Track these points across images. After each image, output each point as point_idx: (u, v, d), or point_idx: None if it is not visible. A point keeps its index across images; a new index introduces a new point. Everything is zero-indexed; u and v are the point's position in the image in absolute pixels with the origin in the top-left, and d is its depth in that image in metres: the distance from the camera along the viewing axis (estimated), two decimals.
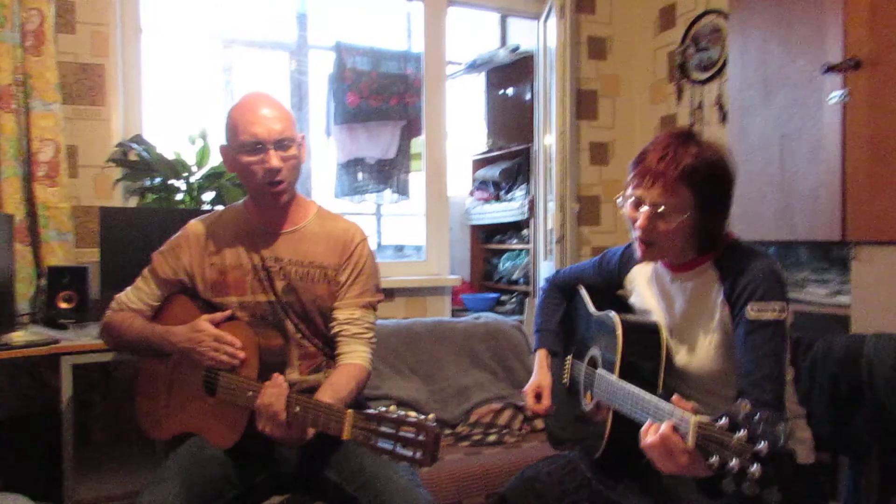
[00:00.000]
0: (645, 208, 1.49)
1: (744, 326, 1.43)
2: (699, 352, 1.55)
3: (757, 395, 1.36)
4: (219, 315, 1.77)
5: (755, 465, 1.05)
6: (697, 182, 1.45)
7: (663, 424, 1.24)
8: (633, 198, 1.52)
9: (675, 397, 1.26)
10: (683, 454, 1.20)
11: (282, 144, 1.75)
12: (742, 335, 1.43)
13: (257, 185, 1.78)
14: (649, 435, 1.26)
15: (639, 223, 1.50)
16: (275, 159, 1.74)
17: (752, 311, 1.42)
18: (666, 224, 1.48)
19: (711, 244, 1.54)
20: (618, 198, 1.60)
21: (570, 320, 1.95)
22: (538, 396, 1.84)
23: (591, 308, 1.82)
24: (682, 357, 1.58)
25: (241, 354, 1.69)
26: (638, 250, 1.56)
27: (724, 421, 1.11)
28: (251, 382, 1.64)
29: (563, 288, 2.00)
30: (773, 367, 1.39)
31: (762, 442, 1.05)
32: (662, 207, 1.46)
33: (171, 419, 1.85)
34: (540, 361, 1.89)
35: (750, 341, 1.42)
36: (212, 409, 1.75)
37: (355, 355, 1.81)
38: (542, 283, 2.08)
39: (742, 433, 1.07)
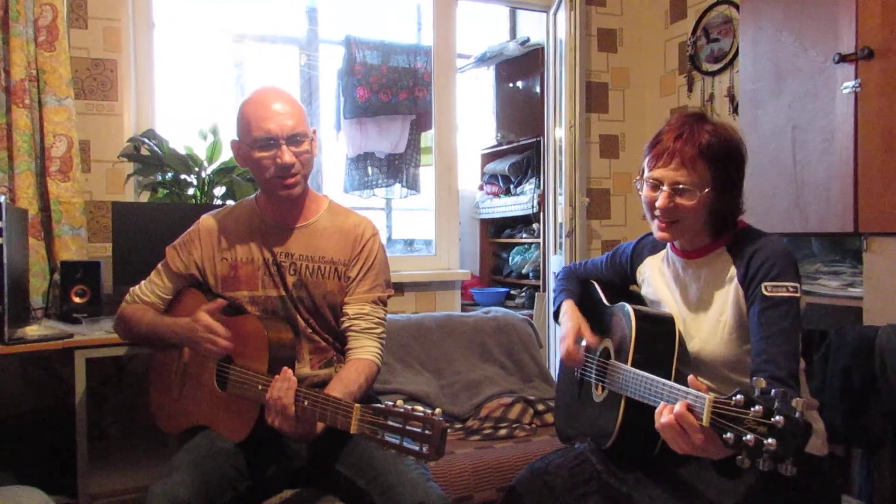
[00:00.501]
0: (665, 188, 1.50)
1: (758, 304, 1.44)
2: (713, 337, 1.55)
3: (771, 371, 1.36)
4: (213, 304, 1.76)
5: (770, 439, 1.04)
6: (715, 158, 1.48)
7: (678, 403, 1.24)
8: (651, 179, 1.53)
9: (691, 377, 1.26)
10: (698, 433, 1.20)
11: (294, 140, 1.76)
12: (756, 313, 1.44)
13: (270, 181, 1.78)
14: (664, 415, 1.26)
15: (659, 203, 1.50)
16: (287, 155, 1.74)
17: (767, 289, 1.43)
18: (686, 202, 1.49)
19: (725, 226, 1.55)
20: (635, 181, 1.61)
21: (584, 309, 1.94)
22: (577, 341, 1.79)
23: (604, 301, 1.82)
24: (695, 343, 1.58)
25: (225, 344, 1.68)
26: (657, 231, 1.57)
27: (739, 397, 1.11)
28: (261, 376, 1.65)
29: (578, 277, 2.00)
30: (788, 344, 1.40)
31: (777, 416, 1.04)
32: (682, 185, 1.48)
33: (184, 412, 1.86)
34: (569, 307, 1.86)
35: (764, 318, 1.42)
36: (223, 402, 1.75)
37: (365, 350, 1.81)
38: (556, 271, 2.06)
39: (757, 408, 1.07)
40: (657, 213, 1.53)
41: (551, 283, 3.76)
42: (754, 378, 1.13)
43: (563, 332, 1.81)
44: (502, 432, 2.70)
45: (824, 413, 1.64)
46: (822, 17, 2.36)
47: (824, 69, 2.34)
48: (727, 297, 1.53)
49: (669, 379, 1.51)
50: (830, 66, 2.30)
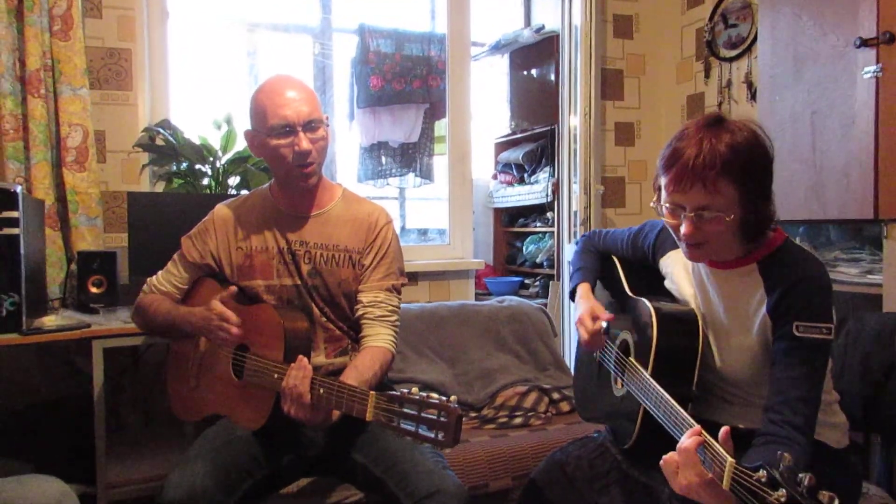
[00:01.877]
0: (688, 214, 1.38)
1: (786, 342, 1.36)
2: (734, 356, 1.50)
3: (788, 416, 1.31)
4: (226, 293, 1.76)
5: None
6: (738, 172, 1.34)
7: (688, 439, 1.20)
8: (671, 205, 1.41)
9: (723, 433, 1.17)
10: (697, 476, 1.17)
11: (310, 126, 1.76)
12: (783, 351, 1.37)
13: (287, 168, 1.78)
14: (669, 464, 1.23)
15: (684, 231, 1.40)
16: (305, 141, 1.74)
17: (799, 330, 1.34)
18: (712, 226, 1.37)
19: (758, 235, 1.44)
20: (652, 203, 1.50)
21: (602, 293, 1.90)
22: (594, 320, 1.71)
23: (626, 288, 1.75)
24: (716, 361, 1.53)
25: (234, 331, 1.68)
26: (686, 253, 1.47)
27: (762, 473, 1.05)
28: (277, 365, 1.65)
29: (598, 251, 1.92)
30: (810, 390, 1.34)
31: None
32: (707, 210, 1.36)
33: (200, 401, 1.87)
34: (585, 292, 1.79)
35: (790, 359, 1.35)
36: (239, 391, 1.76)
37: (379, 338, 1.81)
38: (577, 239, 1.98)
39: (781, 493, 1.01)
40: (683, 238, 1.42)
41: (566, 272, 3.75)
42: (779, 452, 1.05)
43: (578, 314, 1.73)
44: (517, 421, 2.70)
45: (843, 400, 1.62)
46: (843, 0, 2.32)
47: (845, 54, 2.30)
48: (753, 323, 1.45)
49: (691, 386, 1.47)
50: (851, 51, 2.26)
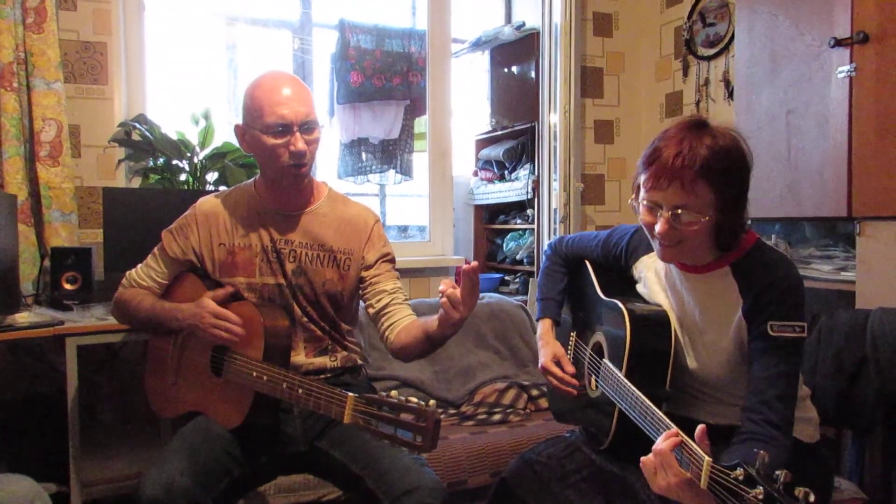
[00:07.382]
0: (664, 212, 1.38)
1: (762, 342, 1.39)
2: (711, 360, 1.51)
3: (765, 414, 1.34)
4: (221, 292, 1.77)
5: None
6: (716, 176, 1.35)
7: (664, 441, 1.21)
8: (648, 202, 1.42)
9: (699, 431, 1.18)
10: (675, 476, 1.18)
11: (306, 127, 1.74)
12: (759, 351, 1.39)
13: (280, 167, 1.76)
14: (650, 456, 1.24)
15: (659, 228, 1.39)
16: (301, 142, 1.73)
17: (773, 329, 1.37)
18: (687, 227, 1.37)
19: (731, 242, 1.45)
20: (630, 201, 1.50)
21: (575, 291, 1.88)
22: (558, 366, 1.75)
23: (598, 290, 1.74)
24: (691, 361, 1.54)
25: (239, 331, 1.67)
26: (659, 252, 1.47)
27: (739, 472, 1.06)
28: (255, 363, 1.64)
29: (567, 259, 1.90)
30: (786, 388, 1.36)
31: None
32: (682, 209, 1.36)
33: (179, 398, 1.85)
34: (545, 331, 1.82)
35: (766, 358, 1.38)
36: (218, 388, 1.75)
37: (414, 316, 1.83)
38: (545, 248, 2.00)
39: (758, 490, 1.02)
40: (657, 238, 1.42)
41: None
42: (756, 450, 1.06)
43: (541, 360, 1.76)
44: (496, 417, 2.71)
45: (816, 396, 1.64)
46: (818, 0, 2.35)
47: (819, 53, 2.33)
48: (728, 324, 1.46)
49: (665, 386, 1.49)
50: (826, 51, 2.29)
